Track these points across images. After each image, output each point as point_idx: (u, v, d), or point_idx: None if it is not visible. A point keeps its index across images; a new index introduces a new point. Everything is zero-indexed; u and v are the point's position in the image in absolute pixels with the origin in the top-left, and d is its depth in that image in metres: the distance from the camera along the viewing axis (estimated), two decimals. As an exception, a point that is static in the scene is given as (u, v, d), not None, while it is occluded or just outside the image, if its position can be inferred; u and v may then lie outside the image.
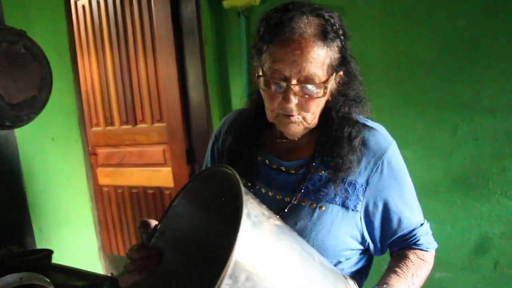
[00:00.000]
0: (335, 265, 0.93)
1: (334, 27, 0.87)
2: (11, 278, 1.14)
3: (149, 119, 2.84)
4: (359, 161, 0.93)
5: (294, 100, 0.87)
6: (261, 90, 0.93)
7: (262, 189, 1.01)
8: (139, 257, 0.79)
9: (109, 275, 2.08)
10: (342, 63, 0.92)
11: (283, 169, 1.00)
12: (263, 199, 0.95)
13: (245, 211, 0.58)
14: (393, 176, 0.95)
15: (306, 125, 0.93)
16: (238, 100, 2.54)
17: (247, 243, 0.57)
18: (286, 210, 0.95)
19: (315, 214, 0.93)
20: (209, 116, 2.58)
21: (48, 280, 1.18)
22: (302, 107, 0.89)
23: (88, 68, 3.03)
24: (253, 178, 1.03)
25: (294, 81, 0.85)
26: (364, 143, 0.94)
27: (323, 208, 0.93)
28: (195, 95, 2.58)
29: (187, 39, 2.53)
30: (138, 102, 2.86)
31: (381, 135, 0.97)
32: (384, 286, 0.88)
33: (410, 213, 0.98)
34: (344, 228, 0.93)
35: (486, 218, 1.96)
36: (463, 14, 1.89)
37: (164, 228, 0.81)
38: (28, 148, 1.75)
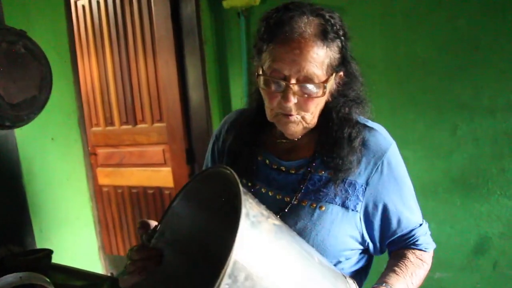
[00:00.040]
0: (335, 265, 0.93)
1: (335, 27, 0.87)
2: (11, 277, 1.14)
3: (149, 119, 2.84)
4: (359, 162, 0.93)
5: (293, 100, 0.87)
6: (260, 89, 0.93)
7: (262, 189, 1.01)
8: (139, 258, 0.78)
9: (109, 275, 2.08)
10: (342, 63, 0.92)
11: (283, 169, 1.00)
12: (263, 199, 0.95)
13: (243, 211, 0.58)
14: (393, 177, 0.96)
15: (305, 124, 0.93)
16: (238, 100, 2.54)
17: (246, 242, 0.57)
18: (286, 210, 0.95)
19: (315, 214, 0.93)
20: (209, 116, 2.58)
21: (48, 280, 1.18)
22: (301, 106, 0.89)
23: (88, 68, 3.03)
24: (253, 178, 1.03)
25: (293, 81, 0.86)
26: (364, 144, 0.95)
27: (323, 208, 0.93)
28: (195, 95, 2.58)
29: (187, 39, 2.53)
30: (138, 102, 2.86)
31: (381, 136, 0.97)
32: (383, 284, 0.88)
33: (410, 213, 0.98)
34: (344, 228, 0.93)
35: (486, 218, 1.96)
36: (463, 14, 1.89)
37: (164, 229, 0.81)
38: (28, 148, 1.75)
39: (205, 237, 0.82)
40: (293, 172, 0.99)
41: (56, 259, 1.51)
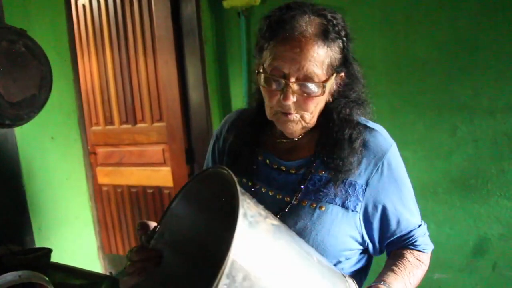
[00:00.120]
0: (335, 265, 0.93)
1: (336, 28, 0.88)
2: (10, 276, 1.14)
3: (149, 118, 2.84)
4: (359, 163, 0.93)
5: (292, 98, 0.87)
6: (261, 87, 0.93)
7: (263, 189, 1.01)
8: (138, 259, 0.79)
9: (108, 274, 2.08)
10: (343, 64, 0.92)
11: (284, 169, 1.00)
12: (263, 199, 0.96)
13: (241, 211, 0.58)
14: (393, 178, 0.96)
15: (304, 124, 0.93)
16: (238, 100, 2.54)
17: (244, 242, 0.57)
18: (286, 210, 0.95)
19: (315, 214, 0.93)
20: (208, 116, 2.58)
21: (47, 279, 1.18)
22: (300, 105, 0.89)
23: (88, 67, 3.03)
24: (253, 177, 1.03)
25: (293, 79, 0.86)
26: (364, 144, 0.95)
27: (323, 208, 0.93)
28: (194, 95, 2.58)
29: (187, 39, 2.53)
30: (138, 101, 2.86)
31: (381, 137, 0.97)
32: (382, 283, 0.88)
33: (409, 214, 0.98)
34: (344, 229, 0.93)
35: (485, 219, 1.96)
36: (463, 15, 1.89)
37: (163, 230, 0.81)
38: (27, 147, 1.75)
39: (204, 238, 0.82)
40: (293, 172, 0.99)
41: (55, 258, 1.51)
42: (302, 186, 0.96)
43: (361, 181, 0.94)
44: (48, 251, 1.45)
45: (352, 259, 0.99)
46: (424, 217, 1.03)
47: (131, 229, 3.09)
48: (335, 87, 0.95)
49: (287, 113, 0.90)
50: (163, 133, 2.77)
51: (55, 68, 1.67)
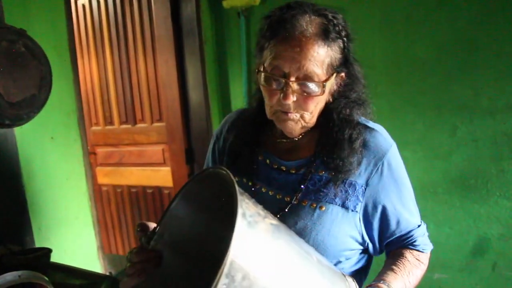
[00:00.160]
0: (335, 265, 0.93)
1: (337, 28, 0.88)
2: (9, 276, 1.14)
3: (149, 118, 2.84)
4: (359, 163, 0.94)
5: (292, 97, 0.87)
6: (261, 87, 0.93)
7: (263, 189, 1.01)
8: (138, 260, 0.79)
9: (107, 274, 2.08)
10: (343, 64, 0.92)
11: (284, 169, 1.00)
12: (263, 199, 0.96)
13: (240, 211, 0.58)
14: (393, 178, 0.96)
15: (303, 123, 0.93)
16: (238, 100, 2.55)
17: (243, 242, 0.57)
18: (286, 210, 0.95)
19: (315, 214, 0.93)
20: (208, 116, 2.58)
21: (47, 279, 1.18)
22: (300, 105, 0.89)
23: (88, 67, 3.03)
24: (253, 177, 1.03)
25: (293, 78, 0.86)
26: (364, 145, 0.95)
27: (323, 208, 0.93)
28: (194, 95, 2.58)
29: (187, 39, 2.53)
30: (138, 101, 2.86)
31: (381, 137, 0.98)
32: (381, 282, 0.88)
33: (409, 215, 0.98)
34: (344, 229, 0.93)
35: (485, 219, 1.96)
36: (463, 15, 1.89)
37: (162, 231, 0.81)
38: (27, 147, 1.75)
39: (204, 238, 0.82)
40: (293, 172, 0.99)
41: (55, 258, 1.51)
42: (302, 186, 0.96)
43: (361, 181, 0.94)
44: (48, 251, 1.46)
45: (352, 259, 1.00)
46: (423, 217, 1.03)
47: (130, 229, 3.09)
48: (335, 87, 0.95)
49: (287, 112, 0.90)
50: (163, 133, 2.77)
51: (55, 68, 1.67)
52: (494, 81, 1.86)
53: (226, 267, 0.54)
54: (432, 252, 1.04)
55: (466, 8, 1.88)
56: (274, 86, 0.89)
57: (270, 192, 1.00)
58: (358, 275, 1.02)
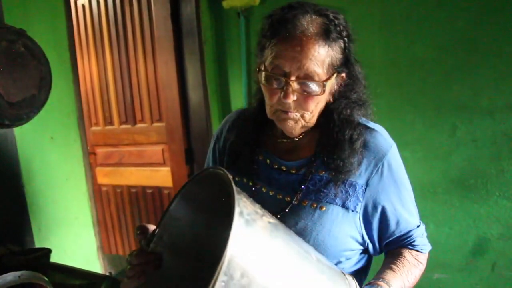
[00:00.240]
0: (335, 265, 0.93)
1: (338, 28, 0.88)
2: (9, 276, 1.14)
3: (148, 118, 2.84)
4: (359, 163, 0.94)
5: (292, 97, 0.87)
6: (261, 86, 0.94)
7: (263, 189, 1.01)
8: (138, 262, 0.79)
9: (107, 274, 2.08)
10: (344, 64, 0.92)
11: (284, 169, 1.00)
12: (264, 199, 0.96)
13: (237, 210, 0.59)
14: (393, 179, 0.96)
15: (303, 123, 0.93)
16: (238, 100, 2.55)
17: (241, 240, 0.58)
18: (286, 210, 0.95)
19: (316, 214, 0.93)
20: (208, 116, 2.58)
21: (47, 279, 1.18)
22: (300, 104, 0.89)
23: (88, 67, 3.03)
24: (254, 177, 1.03)
25: (293, 77, 0.86)
26: (365, 145, 0.95)
27: (324, 209, 0.93)
28: (194, 95, 2.58)
29: (186, 39, 2.53)
30: (138, 101, 2.86)
31: (382, 137, 0.98)
32: (380, 280, 0.89)
33: (408, 215, 0.98)
34: (344, 229, 0.94)
35: (484, 219, 1.97)
36: (462, 15, 1.89)
37: (162, 232, 0.81)
38: (27, 147, 1.75)
39: (204, 239, 0.82)
40: (293, 172, 0.99)
41: (55, 258, 1.51)
42: (302, 186, 0.96)
43: (361, 181, 0.94)
44: (47, 252, 1.46)
45: (353, 259, 1.00)
46: (423, 217, 1.04)
47: (130, 229, 3.09)
48: (336, 87, 0.95)
49: (287, 112, 0.90)
50: (163, 133, 2.77)
51: (54, 68, 1.67)
52: (494, 81, 1.86)
53: (224, 265, 0.54)
54: (431, 252, 1.04)
55: (466, 8, 1.88)
56: (275, 85, 0.89)
57: (270, 192, 1.00)
58: (358, 275, 1.02)
